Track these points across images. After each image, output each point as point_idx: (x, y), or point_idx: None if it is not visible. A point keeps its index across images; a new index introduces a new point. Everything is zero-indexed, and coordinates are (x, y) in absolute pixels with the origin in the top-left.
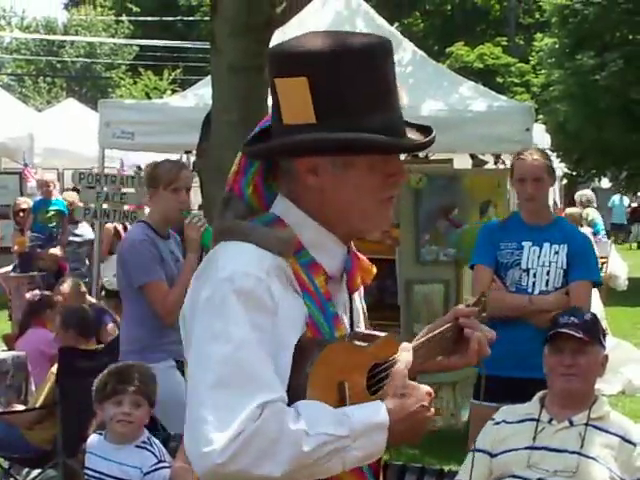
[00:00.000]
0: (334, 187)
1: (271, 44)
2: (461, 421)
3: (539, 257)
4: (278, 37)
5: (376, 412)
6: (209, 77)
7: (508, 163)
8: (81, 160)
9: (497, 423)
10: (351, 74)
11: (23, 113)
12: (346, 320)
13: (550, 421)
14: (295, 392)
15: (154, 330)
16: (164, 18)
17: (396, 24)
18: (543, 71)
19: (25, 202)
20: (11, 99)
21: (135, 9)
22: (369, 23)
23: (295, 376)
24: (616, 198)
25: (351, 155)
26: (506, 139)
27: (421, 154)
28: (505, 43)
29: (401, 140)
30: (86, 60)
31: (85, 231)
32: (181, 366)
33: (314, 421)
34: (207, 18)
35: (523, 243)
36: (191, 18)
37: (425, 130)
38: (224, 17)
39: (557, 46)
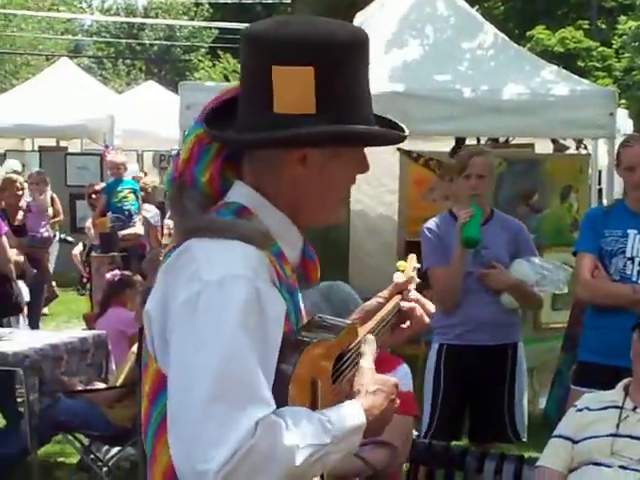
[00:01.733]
0: (317, 177)
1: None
2: (538, 408)
3: None
4: (358, 20)
5: (355, 415)
6: None
7: (590, 148)
8: (161, 142)
9: (580, 410)
10: (356, 66)
11: (103, 95)
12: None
13: (634, 409)
14: (276, 392)
15: None
16: (243, 0)
17: (476, 7)
18: (626, 55)
19: (99, 185)
20: (91, 81)
21: None
22: (450, 5)
23: (276, 378)
24: None
25: (348, 147)
26: (588, 124)
27: (501, 138)
28: (587, 27)
29: (393, 132)
30: (165, 43)
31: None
32: None
33: (303, 433)
34: (286, 1)
35: (628, 231)
36: (270, 0)
37: (389, 124)
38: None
39: None
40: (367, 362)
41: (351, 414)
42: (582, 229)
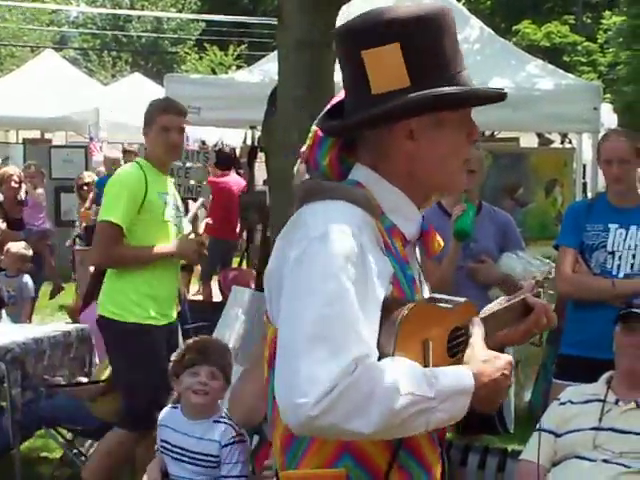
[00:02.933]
0: (429, 149)
1: (338, 20)
2: (524, 401)
3: (625, 240)
4: (343, 13)
5: (463, 376)
6: (275, 53)
7: (575, 142)
8: None
9: (563, 403)
10: (439, 36)
11: (89, 87)
12: (419, 284)
13: (617, 402)
14: (382, 347)
15: None
16: None
17: (463, 0)
18: (610, 50)
19: (89, 176)
20: (77, 73)
21: None
22: None
23: (382, 331)
24: None
25: (448, 110)
26: (573, 118)
27: (487, 132)
28: (572, 21)
29: (491, 89)
30: (152, 35)
31: None
32: None
33: (405, 380)
34: None
35: (609, 225)
36: None
37: None
38: None
39: (626, 25)
40: (477, 338)
41: (459, 375)
42: (564, 223)
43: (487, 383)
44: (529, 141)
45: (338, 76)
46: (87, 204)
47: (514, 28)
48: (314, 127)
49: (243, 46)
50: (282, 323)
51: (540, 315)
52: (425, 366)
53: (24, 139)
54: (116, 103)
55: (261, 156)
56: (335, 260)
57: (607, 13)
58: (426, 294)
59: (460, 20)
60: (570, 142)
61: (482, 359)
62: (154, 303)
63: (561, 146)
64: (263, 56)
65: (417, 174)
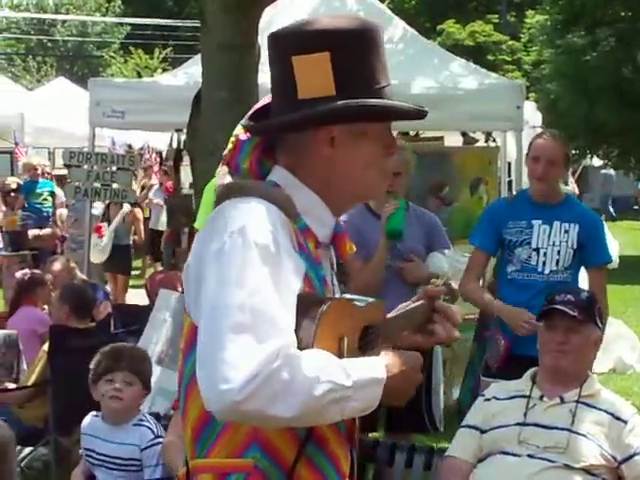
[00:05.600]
0: (347, 157)
1: (261, 22)
2: (452, 398)
3: (549, 236)
4: (268, 15)
5: (376, 367)
6: (199, 55)
7: (499, 141)
8: (72, 139)
9: (487, 399)
10: (368, 50)
11: (13, 92)
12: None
13: (541, 398)
14: (301, 341)
15: None
16: None
17: (387, 1)
18: (534, 49)
19: (15, 182)
20: (1, 78)
21: None
22: (360, 0)
23: (300, 326)
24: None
25: (370, 122)
26: (497, 117)
27: (411, 132)
28: (496, 20)
29: (413, 106)
30: (77, 39)
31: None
32: None
33: (324, 369)
34: None
35: (533, 222)
36: None
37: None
38: None
39: (549, 23)
40: None
41: (373, 365)
42: (480, 222)
43: (397, 374)
44: (453, 140)
45: (262, 78)
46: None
47: (438, 28)
48: (236, 131)
49: (169, 49)
50: (204, 314)
51: (440, 327)
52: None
53: None
54: (41, 108)
55: (187, 159)
56: (254, 253)
57: (530, 12)
58: (337, 295)
59: (383, 20)
60: (494, 141)
61: (393, 352)
62: None
63: (485, 145)
64: (190, 59)
65: (333, 180)
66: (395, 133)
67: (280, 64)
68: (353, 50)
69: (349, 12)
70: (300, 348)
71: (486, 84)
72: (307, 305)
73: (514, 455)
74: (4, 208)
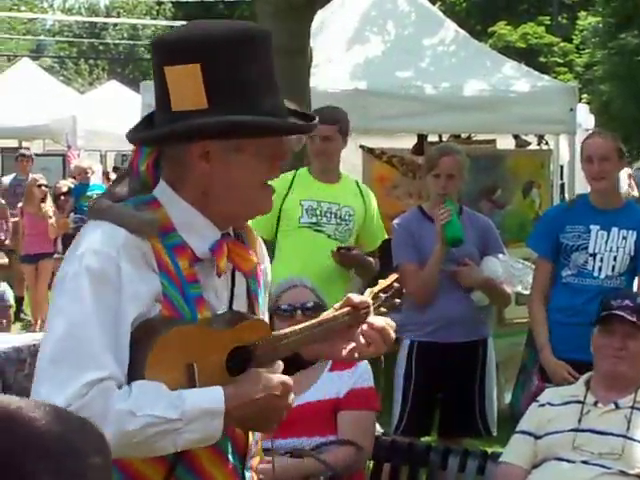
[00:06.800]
0: (223, 172)
1: (312, 25)
2: (504, 403)
3: (607, 242)
4: (320, 17)
5: (211, 398)
6: None
7: (552, 144)
8: (124, 142)
9: (542, 405)
10: (245, 61)
11: (65, 95)
12: (216, 302)
13: (595, 404)
14: (136, 370)
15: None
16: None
17: (438, 3)
18: (587, 51)
19: (66, 185)
20: (53, 81)
21: None
22: (411, 2)
23: (138, 354)
24: None
25: (241, 138)
26: (549, 120)
27: (463, 135)
28: (548, 22)
29: (289, 122)
30: (129, 42)
31: None
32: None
33: (143, 402)
34: None
35: (591, 227)
36: None
37: (309, 118)
38: None
39: (601, 25)
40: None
41: (208, 397)
42: (538, 227)
43: (247, 403)
44: (506, 143)
45: (314, 81)
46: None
47: (490, 30)
48: None
49: None
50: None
51: (380, 346)
52: (191, 387)
53: (1, 148)
54: (93, 111)
55: None
56: (85, 282)
57: (583, 13)
58: (220, 312)
59: (435, 23)
60: (547, 144)
61: (244, 379)
62: None
63: (538, 148)
64: None
65: (212, 196)
66: (446, 136)
67: (156, 74)
68: (226, 61)
69: (400, 14)
70: (134, 379)
71: (539, 87)
72: (145, 333)
73: (569, 461)
74: (56, 211)
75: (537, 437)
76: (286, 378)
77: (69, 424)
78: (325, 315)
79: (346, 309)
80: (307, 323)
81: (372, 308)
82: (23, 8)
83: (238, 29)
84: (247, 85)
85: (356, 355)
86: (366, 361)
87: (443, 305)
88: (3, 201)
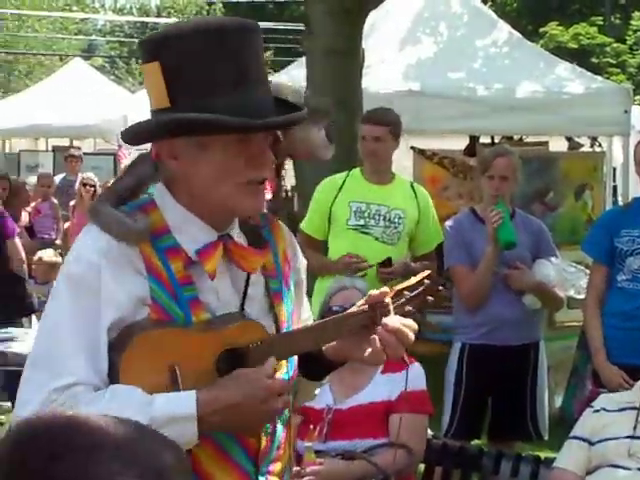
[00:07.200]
0: (193, 171)
1: (364, 26)
2: (555, 407)
3: None
4: (372, 19)
5: (182, 404)
6: (302, 59)
7: (605, 145)
8: None
9: (596, 411)
10: (196, 56)
11: (117, 95)
12: (217, 304)
13: None
14: (114, 373)
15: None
16: (256, 0)
17: (489, 3)
18: None
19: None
20: (105, 81)
21: None
22: (463, 3)
23: (115, 357)
24: None
25: (199, 135)
26: (603, 121)
27: (515, 136)
28: (600, 22)
29: (237, 120)
30: None
31: None
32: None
33: (111, 407)
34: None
35: None
36: None
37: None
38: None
39: None
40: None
41: (178, 402)
42: (593, 230)
43: (223, 408)
44: (558, 145)
45: (365, 82)
46: None
47: (541, 30)
48: None
49: (269, 52)
50: None
51: (395, 350)
52: (175, 390)
53: (54, 147)
54: (144, 110)
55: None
56: (64, 287)
57: (636, 14)
58: (222, 313)
59: (487, 24)
60: (600, 145)
61: (223, 384)
62: None
63: (591, 150)
64: (288, 62)
65: (194, 193)
66: (498, 138)
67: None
68: (182, 58)
69: (453, 15)
70: (114, 382)
71: (593, 88)
72: (123, 337)
73: (624, 468)
74: None
75: (591, 443)
76: (271, 381)
77: (145, 432)
78: (340, 314)
79: (362, 307)
80: (315, 323)
81: (391, 307)
82: (75, 8)
83: (205, 25)
84: (198, 83)
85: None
86: (418, 364)
87: (495, 308)
88: (56, 201)
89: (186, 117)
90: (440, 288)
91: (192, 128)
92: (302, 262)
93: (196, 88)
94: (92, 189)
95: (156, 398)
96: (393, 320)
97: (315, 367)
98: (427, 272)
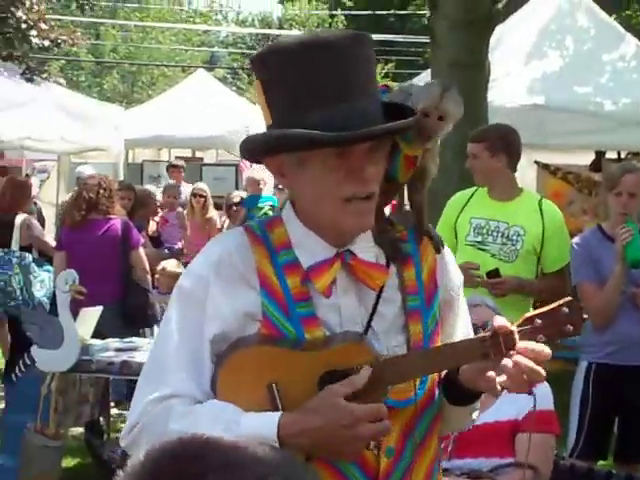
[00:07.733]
0: (297, 187)
1: (491, 39)
2: None
3: None
4: (498, 32)
5: (265, 425)
6: (426, 71)
7: None
8: None
9: None
10: (292, 72)
11: (238, 106)
12: (337, 320)
13: None
14: (213, 388)
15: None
16: (377, 12)
17: (614, 16)
18: None
19: (238, 196)
20: (227, 92)
21: (349, 3)
22: (590, 16)
23: (216, 371)
24: None
25: (290, 151)
26: None
27: None
28: None
29: (337, 133)
30: None
31: None
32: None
33: (202, 422)
34: (421, 12)
35: None
36: (404, 12)
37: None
38: (444, 13)
39: None
40: (338, 385)
41: (262, 423)
42: None
43: (303, 431)
44: None
45: (491, 95)
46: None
47: None
48: None
49: (390, 64)
50: None
51: (520, 384)
52: (274, 409)
53: (176, 157)
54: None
55: None
56: (175, 301)
57: None
58: (341, 331)
59: (615, 37)
60: None
61: (308, 407)
62: None
63: None
64: (410, 74)
65: (305, 210)
66: (624, 153)
67: None
68: (277, 74)
69: (579, 29)
70: (214, 395)
71: None
72: (226, 352)
73: None
74: (228, 222)
75: None
76: (355, 406)
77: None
78: (458, 340)
79: (483, 334)
80: (431, 347)
81: (517, 335)
82: (198, 20)
83: (298, 40)
84: (301, 97)
85: (498, 387)
86: (546, 383)
87: (622, 326)
88: (182, 210)
89: (273, 133)
90: (585, 316)
91: (279, 144)
92: (454, 280)
93: (291, 103)
94: (202, 199)
95: (243, 417)
96: (523, 356)
97: (456, 392)
98: (567, 298)
